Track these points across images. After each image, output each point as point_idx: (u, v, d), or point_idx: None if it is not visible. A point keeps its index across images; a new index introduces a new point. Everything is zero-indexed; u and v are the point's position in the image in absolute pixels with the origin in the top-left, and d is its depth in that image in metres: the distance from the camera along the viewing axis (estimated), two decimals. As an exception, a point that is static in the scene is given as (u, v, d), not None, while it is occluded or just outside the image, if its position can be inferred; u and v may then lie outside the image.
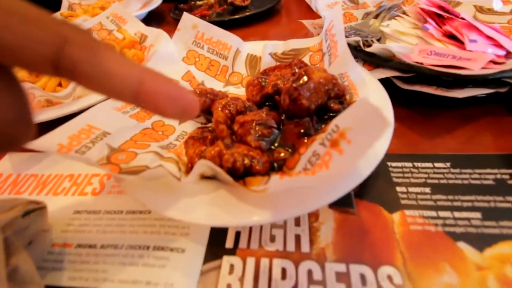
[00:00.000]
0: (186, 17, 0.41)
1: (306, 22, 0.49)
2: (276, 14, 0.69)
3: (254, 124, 0.26)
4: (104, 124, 0.26)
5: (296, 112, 0.27)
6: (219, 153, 0.22)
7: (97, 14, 0.63)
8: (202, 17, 0.68)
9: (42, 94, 0.35)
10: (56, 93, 0.38)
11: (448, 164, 0.28)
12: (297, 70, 0.36)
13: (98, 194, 0.29)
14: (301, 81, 0.27)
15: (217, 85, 0.40)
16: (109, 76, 0.12)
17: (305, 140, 0.25)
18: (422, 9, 0.39)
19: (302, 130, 0.26)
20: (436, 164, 0.28)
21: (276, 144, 0.26)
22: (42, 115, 0.33)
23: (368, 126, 0.16)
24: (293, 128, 0.27)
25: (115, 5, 0.58)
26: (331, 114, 0.28)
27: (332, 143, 0.18)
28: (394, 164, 0.29)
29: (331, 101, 0.28)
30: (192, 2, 0.75)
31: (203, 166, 0.21)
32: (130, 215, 0.26)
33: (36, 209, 0.23)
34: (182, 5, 0.74)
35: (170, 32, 0.42)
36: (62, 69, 0.11)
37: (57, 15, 0.71)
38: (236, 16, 0.62)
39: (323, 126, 0.28)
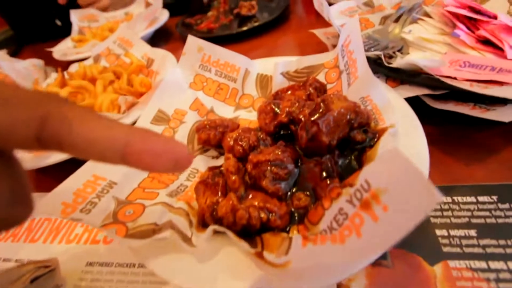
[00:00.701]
0: (191, 40, 0.39)
1: (318, 32, 0.45)
2: (285, 21, 0.66)
3: (269, 165, 0.24)
4: (110, 173, 0.25)
5: (315, 150, 0.24)
6: (232, 209, 0.20)
7: (106, 37, 0.63)
8: (209, 30, 0.66)
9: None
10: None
11: (495, 198, 0.24)
12: (312, 91, 0.33)
13: (109, 243, 0.28)
14: (319, 113, 0.24)
15: (227, 110, 0.38)
16: (93, 144, 0.12)
17: (328, 182, 0.23)
18: (450, 12, 0.35)
19: (323, 171, 0.23)
20: (480, 198, 0.24)
21: (294, 189, 0.24)
22: (54, 157, 0.33)
23: (409, 194, 0.13)
24: (313, 167, 0.24)
25: (121, 28, 0.57)
26: (355, 146, 0.26)
27: (363, 204, 0.16)
28: (430, 199, 0.25)
29: (355, 131, 0.26)
30: (198, 16, 0.73)
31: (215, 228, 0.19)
32: (142, 269, 0.24)
33: (46, 273, 0.22)
34: (188, 19, 0.72)
35: (178, 49, 0.40)
36: (47, 144, 0.12)
37: (69, 40, 0.72)
38: (244, 28, 0.60)
39: (347, 160, 0.25)
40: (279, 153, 0.25)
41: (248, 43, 0.60)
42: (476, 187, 0.25)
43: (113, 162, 0.12)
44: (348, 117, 0.25)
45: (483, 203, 0.24)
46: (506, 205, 0.23)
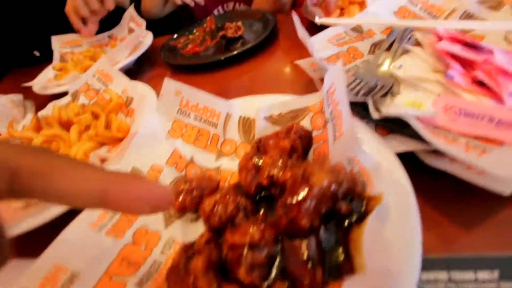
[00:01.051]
0: (168, 84, 0.37)
1: (304, 64, 0.43)
2: (273, 41, 0.64)
3: (245, 250, 0.22)
4: (73, 261, 0.23)
5: (295, 232, 0.22)
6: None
7: (87, 66, 0.61)
8: (195, 54, 0.64)
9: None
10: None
11: (496, 274, 0.22)
12: (297, 139, 0.31)
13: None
14: (299, 193, 0.22)
15: (208, 158, 0.36)
16: (69, 195, 0.12)
17: (310, 269, 0.21)
18: (444, 51, 0.32)
19: (305, 258, 0.21)
20: (480, 275, 0.22)
21: (274, 273, 0.22)
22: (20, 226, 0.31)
23: None
24: (294, 251, 0.22)
25: (101, 60, 0.55)
26: (341, 218, 0.23)
27: None
28: (423, 275, 0.23)
29: (340, 202, 0.23)
30: (183, 37, 0.71)
31: None
32: None
33: None
34: (172, 41, 0.69)
35: (163, 75, 0.38)
36: (20, 195, 0.12)
37: (50, 68, 0.69)
38: (235, 52, 0.57)
39: (331, 241, 0.23)
40: (258, 232, 0.22)
41: (235, 68, 0.57)
42: (475, 259, 0.23)
43: (93, 209, 0.13)
44: (332, 189, 0.22)
45: (483, 280, 0.22)
46: (510, 284, 0.21)
